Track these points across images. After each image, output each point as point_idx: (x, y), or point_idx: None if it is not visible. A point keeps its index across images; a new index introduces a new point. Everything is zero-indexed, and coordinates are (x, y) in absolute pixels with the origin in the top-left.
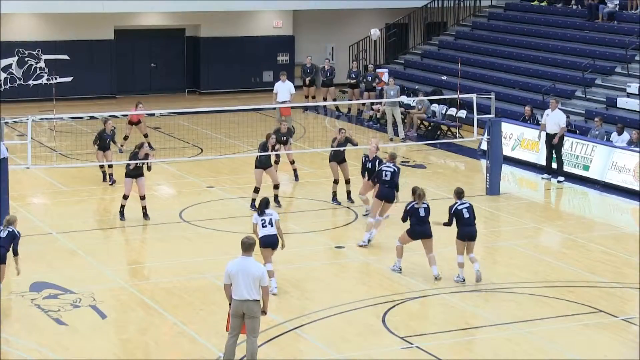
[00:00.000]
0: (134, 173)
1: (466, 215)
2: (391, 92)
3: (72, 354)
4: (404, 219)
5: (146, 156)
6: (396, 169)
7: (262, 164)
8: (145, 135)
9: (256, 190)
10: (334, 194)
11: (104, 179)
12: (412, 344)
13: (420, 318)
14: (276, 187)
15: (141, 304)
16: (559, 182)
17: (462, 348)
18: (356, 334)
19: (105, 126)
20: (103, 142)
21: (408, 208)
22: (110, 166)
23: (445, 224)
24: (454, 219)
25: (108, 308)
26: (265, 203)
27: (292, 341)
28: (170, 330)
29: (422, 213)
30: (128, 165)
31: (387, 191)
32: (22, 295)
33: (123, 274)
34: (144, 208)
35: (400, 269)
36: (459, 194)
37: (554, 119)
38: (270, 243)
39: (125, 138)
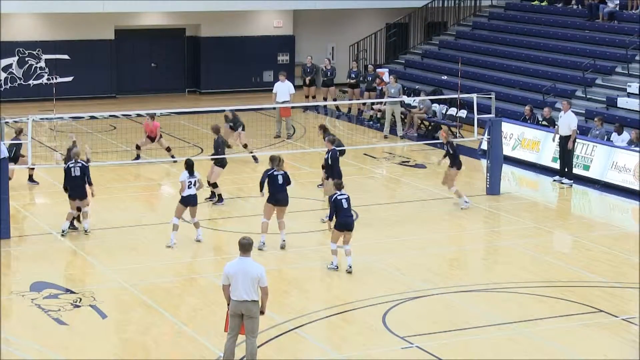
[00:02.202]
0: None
1: (345, 205)
2: (392, 90)
3: (72, 354)
4: (261, 184)
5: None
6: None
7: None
8: (168, 149)
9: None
10: None
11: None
12: (412, 343)
13: (420, 318)
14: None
15: (141, 304)
16: (563, 183)
17: (463, 348)
18: (356, 333)
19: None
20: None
21: (268, 174)
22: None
23: (330, 219)
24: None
25: (108, 308)
26: (192, 165)
27: (292, 341)
28: (171, 330)
29: (280, 180)
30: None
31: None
32: (22, 295)
33: (123, 274)
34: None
35: (264, 244)
36: (339, 185)
37: (565, 121)
38: (192, 202)
39: (138, 147)
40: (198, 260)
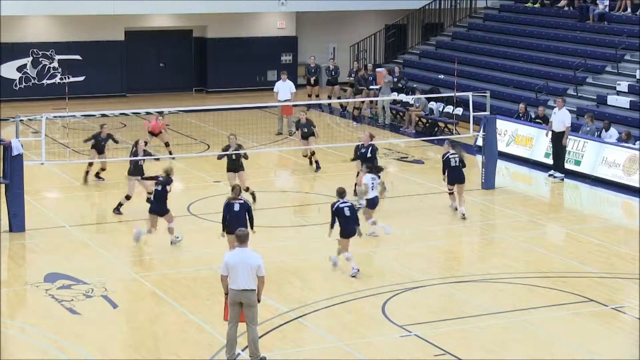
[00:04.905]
0: (139, 172)
1: (347, 213)
2: (385, 80)
3: (85, 342)
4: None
5: (145, 153)
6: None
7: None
8: (167, 144)
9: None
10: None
11: (86, 181)
12: (410, 332)
13: (418, 307)
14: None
15: (151, 294)
16: (555, 177)
17: (459, 335)
18: (357, 322)
19: (102, 130)
20: (98, 144)
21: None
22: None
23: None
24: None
25: (119, 298)
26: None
27: (295, 329)
28: (178, 319)
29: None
30: (131, 165)
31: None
32: (36, 286)
33: (133, 265)
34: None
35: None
36: (341, 193)
37: (560, 117)
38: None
39: (146, 144)
40: (205, 252)
